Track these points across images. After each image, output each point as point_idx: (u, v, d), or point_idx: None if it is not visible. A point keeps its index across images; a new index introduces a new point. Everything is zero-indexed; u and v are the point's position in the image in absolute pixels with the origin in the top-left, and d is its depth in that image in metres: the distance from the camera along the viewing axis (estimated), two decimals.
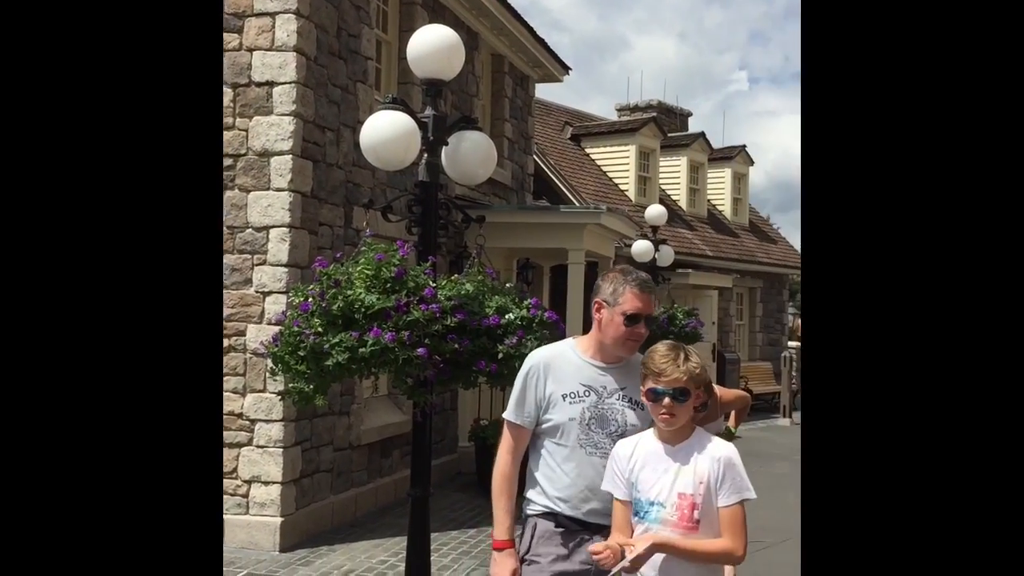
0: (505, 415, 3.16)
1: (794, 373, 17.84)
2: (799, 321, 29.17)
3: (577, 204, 15.06)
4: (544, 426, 3.08)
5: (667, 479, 2.78)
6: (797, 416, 16.51)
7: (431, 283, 4.56)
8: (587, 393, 3.02)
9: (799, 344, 23.80)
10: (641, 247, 13.23)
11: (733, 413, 5.26)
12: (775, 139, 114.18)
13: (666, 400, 2.75)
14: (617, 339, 3.04)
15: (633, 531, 2.80)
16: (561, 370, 3.10)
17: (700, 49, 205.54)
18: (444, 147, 5.04)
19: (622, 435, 2.98)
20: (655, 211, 13.86)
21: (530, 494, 3.11)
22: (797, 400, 18.12)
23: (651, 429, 2.90)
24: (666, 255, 13.83)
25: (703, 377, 2.81)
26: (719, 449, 2.81)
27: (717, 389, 5.22)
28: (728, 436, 4.97)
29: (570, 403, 3.04)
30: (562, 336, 8.84)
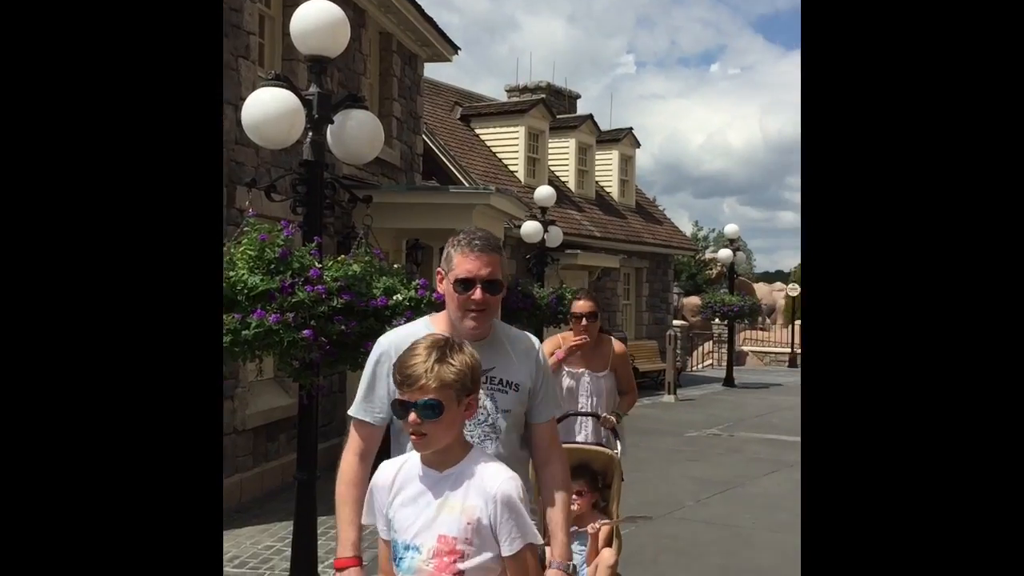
0: (351, 411, 2.68)
1: (678, 351, 18.29)
2: (684, 300, 29.94)
3: (467, 185, 15.04)
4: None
5: (427, 516, 2.20)
6: (681, 393, 16.96)
7: (317, 264, 4.48)
8: None
9: (684, 323, 24.44)
10: (530, 228, 13.32)
11: (625, 398, 5.18)
12: (661, 122, 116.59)
13: (411, 415, 2.15)
14: (456, 311, 2.61)
15: None
16: None
17: (589, 32, 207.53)
18: (329, 125, 4.95)
19: (493, 425, 2.60)
20: (544, 192, 13.96)
21: None
22: (681, 377, 18.61)
23: None
24: (555, 236, 13.96)
25: (462, 384, 2.20)
26: (496, 481, 2.19)
27: (626, 370, 5.03)
28: (618, 418, 4.92)
29: None
30: None
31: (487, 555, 2.17)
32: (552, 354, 4.74)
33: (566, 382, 4.86)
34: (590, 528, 4.23)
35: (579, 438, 4.81)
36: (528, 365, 2.68)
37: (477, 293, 2.57)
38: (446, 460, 2.23)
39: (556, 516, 2.61)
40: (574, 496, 4.12)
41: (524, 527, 2.19)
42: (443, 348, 2.21)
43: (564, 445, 4.20)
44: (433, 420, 2.15)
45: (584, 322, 4.82)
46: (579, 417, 4.92)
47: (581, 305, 4.88)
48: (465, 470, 2.22)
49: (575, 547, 4.22)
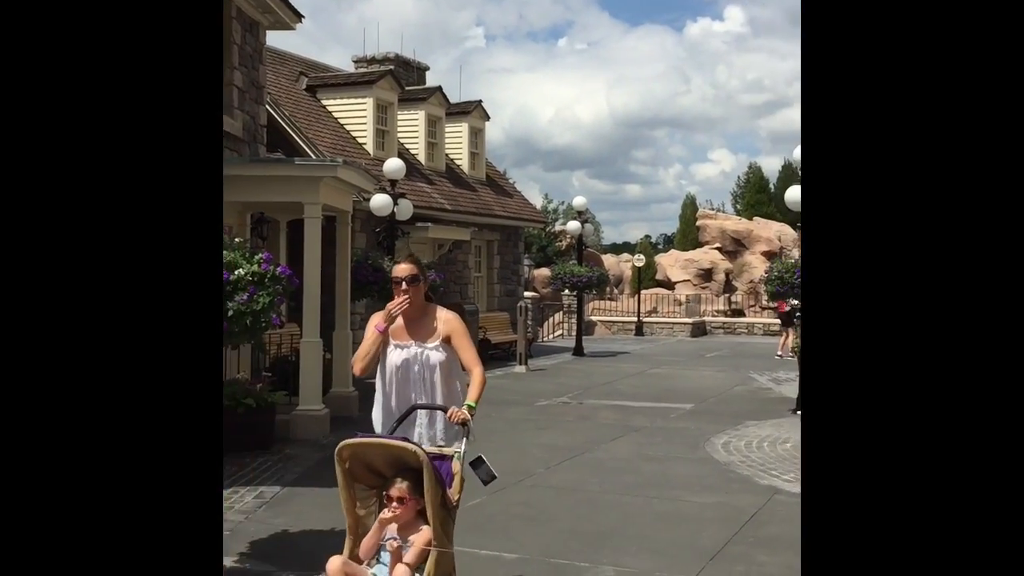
0: None
1: (529, 322, 18.55)
2: (534, 272, 30.37)
3: (314, 157, 14.71)
4: None
5: None
6: (532, 363, 17.24)
7: None
8: None
9: (535, 294, 24.80)
10: (380, 201, 13.18)
11: (473, 381, 4.45)
12: (511, 96, 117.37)
13: None
14: None
15: None
16: None
17: (438, 4, 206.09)
18: None
19: None
20: (393, 165, 13.83)
21: None
22: (532, 348, 18.89)
23: None
24: (405, 209, 13.87)
25: None
26: None
27: (463, 341, 4.40)
28: (470, 410, 4.20)
29: None
30: (297, 291, 8.60)
31: None
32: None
33: (394, 356, 4.42)
34: (389, 545, 3.77)
35: (423, 432, 4.38)
36: None
37: None
38: None
39: None
40: (394, 504, 3.79)
41: None
42: None
43: (367, 440, 3.86)
44: None
45: (404, 286, 4.40)
46: (423, 409, 4.40)
47: (400, 269, 4.46)
48: None
49: (385, 556, 3.80)
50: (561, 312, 27.35)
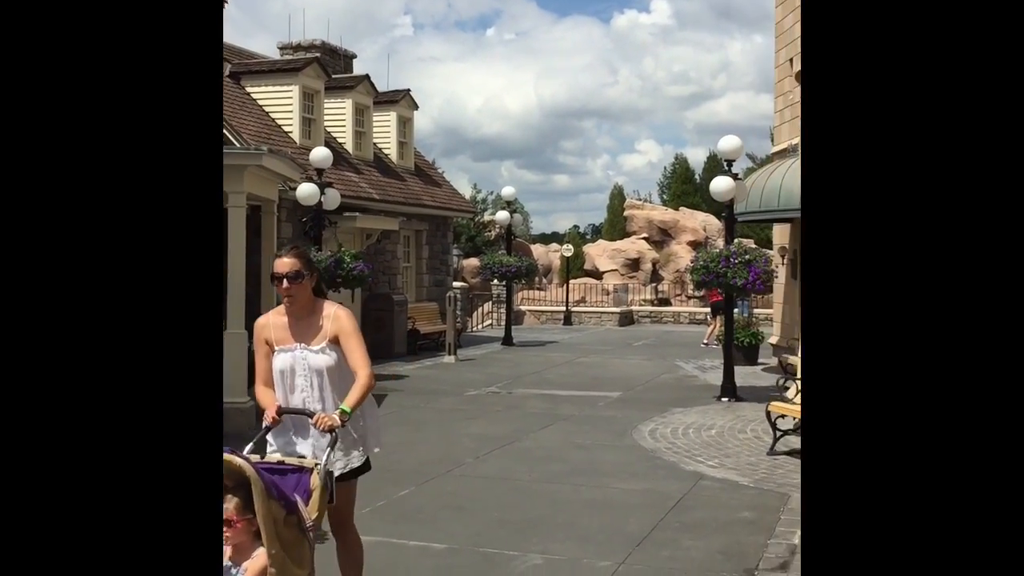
0: None
1: (458, 312, 18.53)
2: (463, 262, 30.34)
3: (238, 145, 14.45)
4: None
5: None
6: (462, 353, 17.24)
7: None
8: None
9: (464, 284, 24.78)
10: (306, 190, 13.03)
11: (356, 383, 3.87)
12: (440, 85, 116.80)
13: None
14: None
15: None
16: None
17: None
18: None
19: None
20: (320, 154, 13.67)
21: None
22: (462, 338, 18.89)
23: None
24: (332, 198, 13.73)
25: None
26: None
27: (350, 341, 3.88)
28: (344, 415, 3.72)
29: None
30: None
31: None
32: (264, 340, 3.98)
33: (279, 362, 3.92)
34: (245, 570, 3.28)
35: (316, 443, 3.84)
36: None
37: None
38: None
39: None
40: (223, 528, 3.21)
41: None
42: None
43: None
44: None
45: (286, 284, 3.86)
46: (302, 415, 3.87)
47: (281, 264, 3.88)
48: None
49: None
50: (490, 302, 27.38)
